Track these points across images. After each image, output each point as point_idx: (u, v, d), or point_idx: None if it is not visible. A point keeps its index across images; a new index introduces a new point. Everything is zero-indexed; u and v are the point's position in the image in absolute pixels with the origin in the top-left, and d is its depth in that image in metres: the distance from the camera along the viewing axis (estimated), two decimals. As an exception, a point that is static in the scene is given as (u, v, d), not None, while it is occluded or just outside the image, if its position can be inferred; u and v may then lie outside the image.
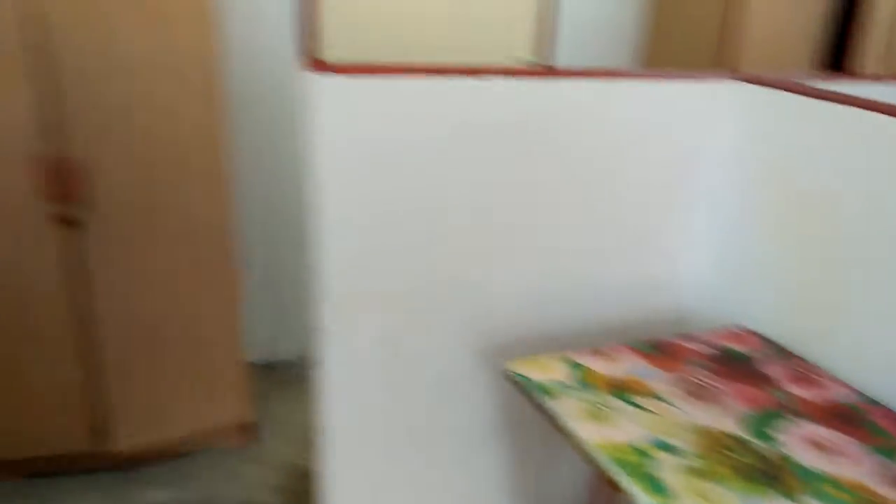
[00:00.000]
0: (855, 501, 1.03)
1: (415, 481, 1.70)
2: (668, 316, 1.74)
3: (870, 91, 1.39)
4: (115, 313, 1.96)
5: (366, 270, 1.45)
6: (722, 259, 1.67)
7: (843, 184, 1.38)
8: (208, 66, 1.86)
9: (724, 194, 1.65)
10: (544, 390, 1.27)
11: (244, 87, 2.39)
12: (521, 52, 2.77)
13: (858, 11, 2.61)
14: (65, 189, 1.80)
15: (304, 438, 2.33)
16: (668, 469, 1.07)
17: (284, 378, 2.69)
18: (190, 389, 2.14)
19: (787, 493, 1.03)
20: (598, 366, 1.36)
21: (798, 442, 1.16)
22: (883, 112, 1.29)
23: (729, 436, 1.16)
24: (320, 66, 1.30)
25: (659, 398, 1.26)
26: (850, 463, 1.12)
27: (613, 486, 1.06)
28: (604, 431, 1.16)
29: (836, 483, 1.06)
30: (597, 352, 1.40)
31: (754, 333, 1.54)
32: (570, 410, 1.21)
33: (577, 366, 1.35)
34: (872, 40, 2.56)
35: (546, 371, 1.33)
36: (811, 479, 1.07)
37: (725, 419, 1.21)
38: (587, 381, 1.31)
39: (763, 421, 1.21)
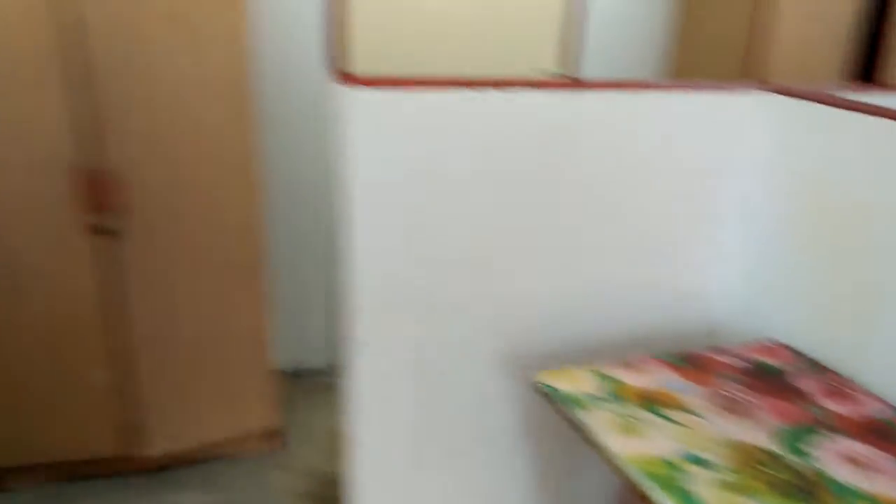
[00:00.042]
0: (892, 519, 1.02)
1: (441, 489, 1.71)
2: (698, 328, 1.73)
3: (902, 102, 1.38)
4: (148, 321, 1.99)
5: (395, 281, 1.47)
6: (753, 271, 1.66)
7: (876, 195, 1.36)
8: (240, 78, 1.89)
9: (756, 206, 1.64)
10: (574, 402, 1.27)
11: (273, 98, 2.42)
12: (547, 64, 2.78)
13: (888, 22, 2.58)
14: (101, 199, 1.84)
15: (331, 446, 2.35)
16: (701, 483, 1.06)
17: (311, 385, 2.72)
18: (219, 396, 2.17)
19: (823, 510, 1.03)
20: (629, 378, 1.35)
21: (833, 457, 1.15)
22: (917, 124, 1.28)
23: (762, 450, 1.15)
24: (351, 79, 1.32)
25: (690, 411, 1.26)
26: (886, 479, 1.10)
27: (645, 500, 1.06)
28: (635, 444, 1.16)
29: (872, 500, 1.05)
30: (627, 364, 1.40)
31: (786, 347, 1.53)
32: (601, 423, 1.21)
33: (606, 378, 1.35)
34: (904, 51, 2.53)
35: (576, 383, 1.33)
36: (846, 496, 1.06)
37: (758, 434, 1.20)
38: (617, 393, 1.30)
39: (797, 436, 1.20)
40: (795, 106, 1.53)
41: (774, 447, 1.16)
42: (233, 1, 1.82)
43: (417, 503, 1.69)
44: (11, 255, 1.83)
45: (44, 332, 1.92)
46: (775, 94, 1.56)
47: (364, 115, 1.34)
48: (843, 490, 1.07)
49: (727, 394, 1.32)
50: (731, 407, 1.28)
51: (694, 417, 1.24)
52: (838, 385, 1.38)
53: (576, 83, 1.59)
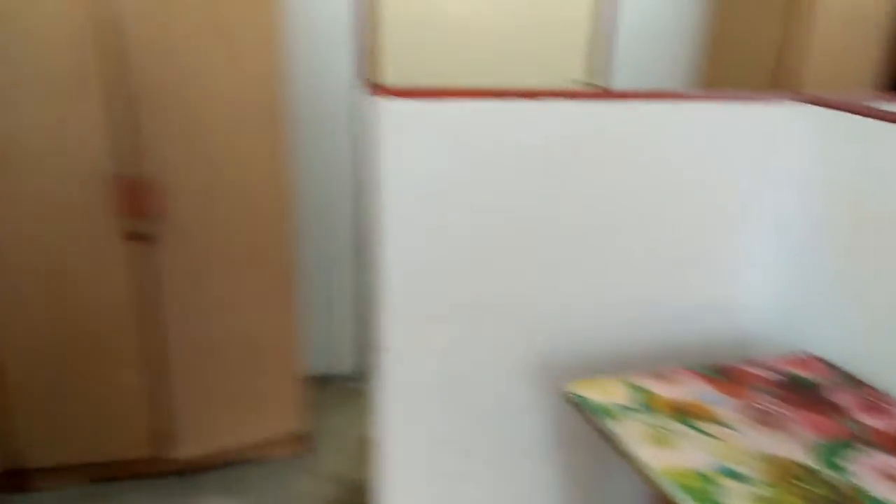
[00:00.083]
0: (933, 537, 1.00)
1: (468, 498, 1.71)
2: (732, 340, 1.72)
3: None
4: (181, 325, 2.02)
5: (425, 289, 1.48)
6: (787, 283, 1.64)
7: (915, 208, 1.35)
8: (273, 87, 1.92)
9: (790, 217, 1.62)
10: (605, 412, 1.27)
11: (305, 107, 2.45)
12: (577, 75, 2.78)
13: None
14: (138, 206, 1.88)
15: (357, 451, 2.36)
16: (736, 497, 1.05)
17: (339, 391, 2.73)
18: (248, 400, 2.19)
19: (861, 526, 1.01)
20: (661, 389, 1.35)
21: (870, 473, 1.13)
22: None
23: (798, 465, 1.14)
24: (383, 89, 1.33)
25: (724, 424, 1.25)
26: (925, 497, 1.08)
27: (679, 513, 1.05)
28: (668, 456, 1.15)
29: (911, 517, 1.03)
30: (658, 375, 1.39)
31: (820, 360, 1.51)
32: (633, 434, 1.21)
33: (638, 388, 1.34)
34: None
35: (606, 393, 1.33)
36: (885, 512, 1.04)
37: (794, 447, 1.19)
38: (649, 404, 1.30)
39: (833, 450, 1.19)
40: (830, 116, 1.52)
41: (810, 461, 1.15)
42: (267, 12, 1.85)
43: (445, 510, 1.70)
44: (51, 260, 1.87)
45: (80, 335, 1.96)
46: (810, 105, 1.55)
47: (394, 125, 1.35)
48: (881, 506, 1.05)
49: (761, 406, 1.31)
50: (765, 420, 1.27)
51: (727, 430, 1.23)
52: (875, 399, 1.36)
53: (608, 94, 1.59)
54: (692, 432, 1.22)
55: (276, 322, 2.14)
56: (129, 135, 1.82)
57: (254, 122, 1.93)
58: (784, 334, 1.65)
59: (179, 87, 1.83)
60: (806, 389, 1.39)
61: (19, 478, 2.08)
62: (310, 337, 2.66)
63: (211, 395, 2.13)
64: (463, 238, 1.46)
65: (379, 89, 1.34)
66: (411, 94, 1.35)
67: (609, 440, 1.22)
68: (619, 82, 2.75)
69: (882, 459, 1.17)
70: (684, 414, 1.27)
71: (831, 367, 1.48)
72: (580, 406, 1.30)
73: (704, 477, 1.10)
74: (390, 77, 2.54)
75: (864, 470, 1.14)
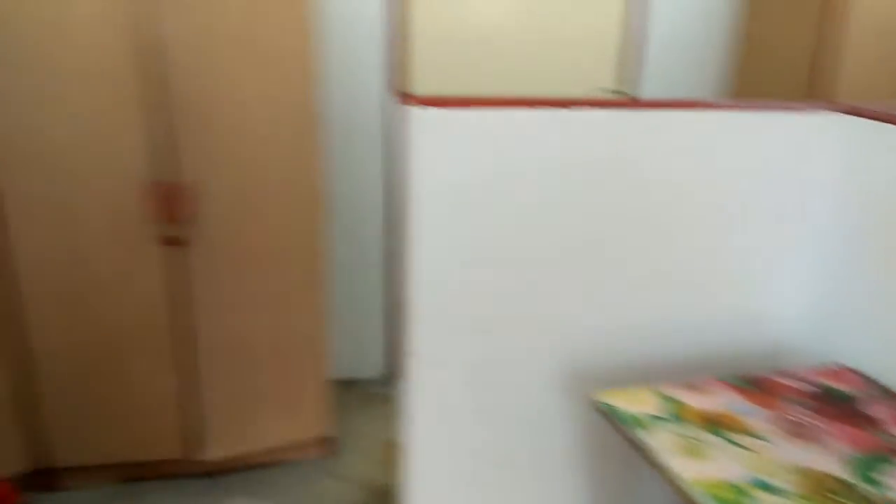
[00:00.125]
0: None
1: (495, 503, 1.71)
2: (763, 350, 1.70)
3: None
4: (211, 328, 2.05)
5: (456, 297, 1.48)
6: (821, 293, 1.63)
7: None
8: (306, 96, 1.94)
9: (824, 227, 1.61)
10: (636, 423, 1.26)
11: (335, 115, 2.48)
12: (606, 83, 2.77)
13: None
14: (172, 211, 1.91)
15: (382, 456, 2.37)
16: (770, 510, 1.05)
17: (365, 395, 2.75)
18: (275, 403, 2.21)
19: (899, 542, 1.00)
20: (691, 399, 1.34)
21: (907, 488, 1.12)
22: None
23: (834, 478, 1.13)
24: (415, 98, 1.34)
25: (756, 435, 1.24)
26: (965, 513, 1.07)
27: (712, 524, 1.05)
28: (699, 467, 1.15)
29: (951, 534, 1.02)
30: (689, 385, 1.39)
31: (854, 371, 1.49)
32: (664, 444, 1.20)
33: (669, 399, 1.34)
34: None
35: (637, 403, 1.32)
36: (924, 529, 1.03)
37: (828, 460, 1.18)
38: (679, 414, 1.29)
39: (869, 464, 1.17)
40: (865, 126, 1.50)
41: (846, 475, 1.14)
42: (300, 23, 1.87)
43: (470, 517, 1.70)
44: (88, 262, 1.90)
45: (113, 337, 1.98)
46: (844, 115, 1.54)
47: (426, 134, 1.36)
48: (919, 522, 1.04)
49: (794, 418, 1.30)
50: (799, 432, 1.26)
51: (760, 442, 1.22)
52: (911, 413, 1.34)
53: (640, 103, 1.59)
54: (725, 443, 1.21)
55: (304, 326, 2.16)
56: (166, 142, 1.85)
57: (287, 130, 1.96)
58: (817, 345, 1.64)
59: (215, 96, 1.85)
60: (840, 401, 1.37)
61: (49, 477, 2.11)
62: (337, 340, 2.68)
63: (239, 398, 2.15)
64: (493, 246, 1.47)
65: (411, 98, 1.34)
66: (442, 103, 1.36)
67: (640, 450, 1.22)
68: (649, 92, 2.74)
69: (919, 474, 1.16)
70: (716, 425, 1.26)
71: (866, 378, 1.47)
72: (610, 415, 1.30)
73: (738, 489, 1.09)
74: (420, 86, 2.55)
75: (901, 485, 1.12)
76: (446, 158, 1.38)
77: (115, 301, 1.95)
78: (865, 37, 2.38)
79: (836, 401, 1.37)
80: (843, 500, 1.08)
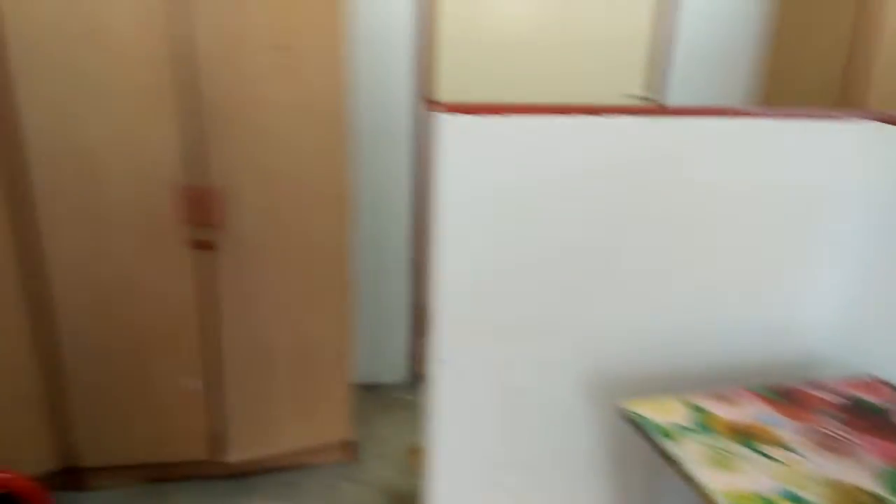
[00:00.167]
0: None
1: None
2: (793, 361, 1.68)
3: None
4: (237, 331, 2.07)
5: (482, 302, 1.48)
6: (852, 304, 1.61)
7: None
8: (337, 104, 1.95)
9: (856, 237, 1.59)
10: (664, 433, 1.25)
11: (363, 119, 2.49)
12: (633, 90, 2.76)
13: None
14: (203, 215, 1.93)
15: (403, 461, 2.37)
16: (802, 523, 1.03)
17: (387, 400, 2.75)
18: (298, 407, 2.22)
19: (935, 559, 0.98)
20: (720, 410, 1.33)
21: (942, 504, 1.10)
22: None
23: (865, 492, 1.11)
24: (446, 106, 1.35)
25: (786, 447, 1.22)
26: None
27: (743, 537, 1.04)
28: (728, 478, 1.14)
29: None
30: (718, 396, 1.37)
31: (886, 383, 1.47)
32: (692, 454, 1.19)
33: (697, 409, 1.33)
34: None
35: (665, 412, 1.31)
36: (960, 546, 1.01)
37: (860, 474, 1.16)
38: (707, 424, 1.28)
39: (902, 479, 1.15)
40: (899, 135, 1.48)
41: (878, 489, 1.12)
42: (332, 30, 1.89)
43: (493, 524, 1.69)
44: (119, 266, 1.92)
45: (142, 339, 2.01)
46: (878, 123, 1.52)
47: (454, 141, 1.36)
48: (955, 539, 1.02)
49: (825, 431, 1.28)
50: (830, 445, 1.24)
51: (790, 454, 1.21)
52: (945, 427, 1.32)
53: (669, 110, 1.58)
54: (753, 455, 1.20)
55: (329, 330, 2.17)
56: (197, 146, 1.87)
57: (316, 137, 1.97)
58: (848, 356, 1.61)
59: (247, 103, 1.87)
60: (872, 414, 1.35)
61: (76, 476, 2.13)
62: (360, 345, 2.69)
63: (263, 401, 2.17)
64: (520, 253, 1.47)
65: (439, 105, 1.35)
66: (471, 110, 1.36)
67: (668, 460, 1.21)
68: (676, 98, 2.73)
69: (955, 490, 1.14)
70: (745, 436, 1.25)
71: (898, 392, 1.45)
72: (638, 425, 1.29)
73: (768, 501, 1.08)
74: (448, 93, 2.56)
75: (936, 500, 1.11)
76: (474, 165, 1.39)
77: (145, 303, 1.97)
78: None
79: (867, 413, 1.35)
80: (876, 515, 1.06)
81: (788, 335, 1.67)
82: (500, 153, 1.39)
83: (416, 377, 2.86)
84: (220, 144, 1.88)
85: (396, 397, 2.77)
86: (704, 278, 1.58)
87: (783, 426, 1.29)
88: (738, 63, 2.82)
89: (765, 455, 1.20)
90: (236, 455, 2.20)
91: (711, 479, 1.13)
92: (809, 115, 1.54)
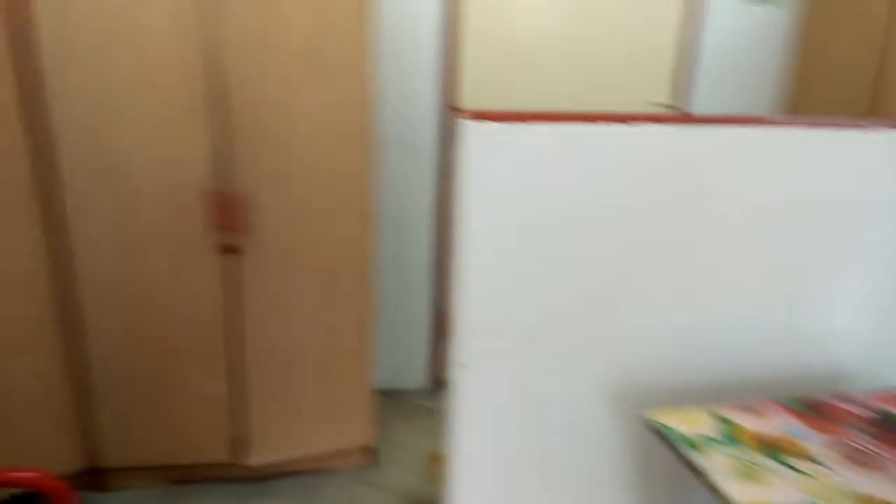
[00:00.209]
0: None
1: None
2: (821, 373, 1.66)
3: None
4: (260, 335, 2.08)
5: (505, 307, 1.48)
6: (883, 315, 1.58)
7: None
8: (363, 111, 1.97)
9: (888, 247, 1.57)
10: (690, 444, 1.24)
11: (388, 127, 2.51)
12: (659, 98, 2.75)
13: None
14: (230, 220, 1.95)
15: (422, 467, 2.37)
16: (831, 538, 1.02)
17: (407, 406, 2.76)
18: (319, 411, 2.23)
19: (969, 577, 0.96)
20: (747, 422, 1.31)
21: (976, 521, 1.08)
22: None
23: (896, 508, 1.10)
24: (471, 113, 1.35)
25: (814, 460, 1.21)
26: None
27: (770, 551, 1.02)
28: (756, 491, 1.12)
29: None
30: (746, 407, 1.36)
31: (917, 398, 1.45)
32: (718, 466, 1.18)
33: (724, 420, 1.31)
34: None
35: (691, 423, 1.30)
36: None
37: (890, 489, 1.14)
38: (734, 436, 1.27)
39: (935, 495, 1.13)
40: (930, 145, 1.46)
41: (910, 505, 1.10)
42: (358, 37, 1.90)
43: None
44: (146, 269, 1.95)
45: (167, 342, 2.03)
46: (910, 133, 1.50)
47: (479, 148, 1.36)
48: None
49: (853, 444, 1.26)
50: (858, 458, 1.22)
51: (818, 467, 1.19)
52: (978, 443, 1.29)
53: (696, 118, 1.57)
54: (781, 468, 1.18)
55: (351, 336, 2.18)
56: (226, 153, 1.89)
57: (342, 144, 1.98)
58: (878, 369, 1.59)
59: (274, 110, 1.89)
60: (902, 429, 1.33)
61: (100, 477, 2.16)
62: (381, 351, 2.69)
63: (285, 405, 2.18)
64: (546, 259, 1.46)
65: (465, 112, 1.36)
66: (496, 118, 1.36)
67: (694, 472, 1.20)
68: (702, 107, 2.71)
69: None
70: (773, 449, 1.23)
71: (928, 406, 1.42)
72: (664, 435, 1.28)
73: (796, 515, 1.06)
74: (472, 100, 2.57)
75: (970, 517, 1.08)
76: (498, 172, 1.39)
77: (171, 307, 1.99)
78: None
79: (898, 427, 1.33)
80: (908, 531, 1.04)
81: (817, 346, 1.65)
82: (524, 160, 1.39)
83: (436, 384, 2.86)
84: (247, 150, 1.90)
85: (418, 404, 2.77)
86: (731, 289, 1.56)
87: (811, 439, 1.27)
88: (765, 71, 2.79)
89: (792, 468, 1.19)
90: (258, 458, 2.21)
91: (738, 491, 1.12)
92: (837, 125, 1.52)
